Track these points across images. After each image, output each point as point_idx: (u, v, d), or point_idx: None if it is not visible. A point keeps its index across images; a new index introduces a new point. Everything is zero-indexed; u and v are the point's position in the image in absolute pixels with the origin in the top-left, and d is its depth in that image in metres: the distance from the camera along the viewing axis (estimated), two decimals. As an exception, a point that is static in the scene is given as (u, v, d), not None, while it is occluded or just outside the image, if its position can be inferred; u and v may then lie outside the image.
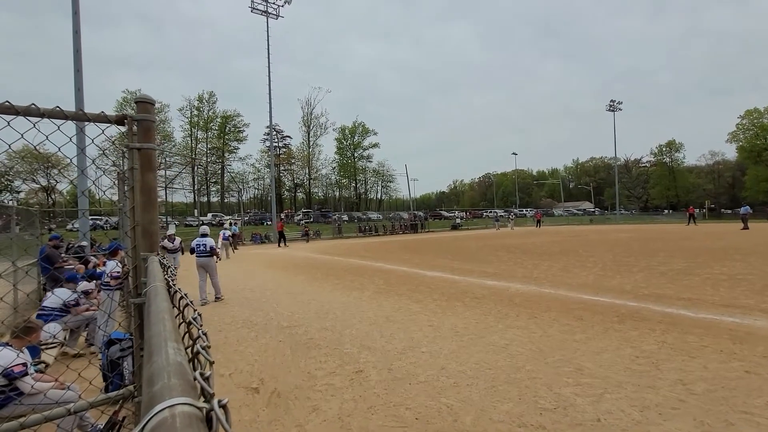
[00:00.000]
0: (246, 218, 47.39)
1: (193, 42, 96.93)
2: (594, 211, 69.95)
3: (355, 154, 70.91)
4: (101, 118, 1.60)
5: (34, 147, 1.65)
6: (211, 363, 0.42)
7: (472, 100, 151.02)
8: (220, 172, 64.02)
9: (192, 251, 8.67)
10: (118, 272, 5.48)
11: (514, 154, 73.64)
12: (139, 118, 1.64)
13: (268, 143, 57.84)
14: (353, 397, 3.58)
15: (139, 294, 1.64)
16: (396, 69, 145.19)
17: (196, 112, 61.14)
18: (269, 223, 38.97)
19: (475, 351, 4.61)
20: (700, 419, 2.95)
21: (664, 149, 72.79)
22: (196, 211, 49.84)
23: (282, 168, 67.14)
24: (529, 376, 3.86)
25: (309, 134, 67.40)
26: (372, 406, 3.39)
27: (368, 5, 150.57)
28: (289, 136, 68.71)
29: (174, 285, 0.82)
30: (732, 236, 21.00)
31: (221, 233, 18.39)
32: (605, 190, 79.50)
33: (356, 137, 70.34)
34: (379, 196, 79.15)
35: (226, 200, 66.50)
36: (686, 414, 3.04)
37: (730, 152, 63.23)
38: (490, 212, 60.22)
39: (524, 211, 63.78)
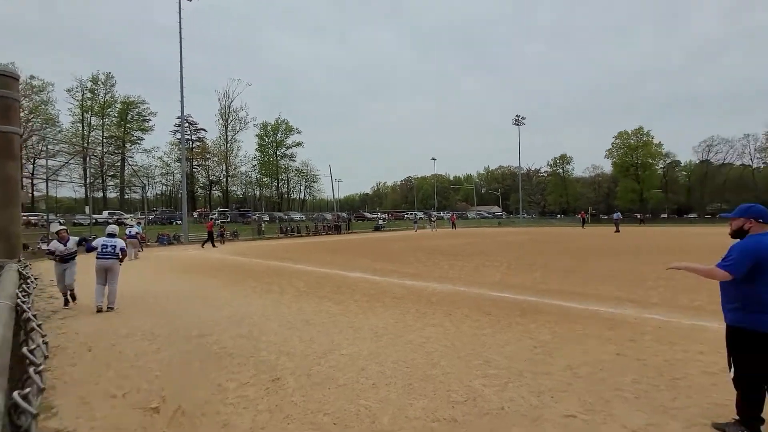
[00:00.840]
0: (152, 217, 42.64)
1: (88, 15, 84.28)
2: (502, 215, 77.03)
3: (278, 152, 68.24)
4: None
5: None
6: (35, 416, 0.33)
7: (397, 105, 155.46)
8: (119, 164, 56.68)
9: (90, 250, 7.66)
10: None
11: (433, 159, 77.58)
12: (-3, 96, 1.34)
13: (179, 135, 52.80)
14: (268, 407, 3.40)
15: (-8, 310, 1.34)
16: (324, 67, 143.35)
17: (89, 95, 53.33)
18: (179, 222, 35.60)
19: (393, 351, 4.71)
20: (584, 399, 3.39)
21: (558, 161, 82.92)
22: (87, 208, 43.29)
23: (195, 163, 61.77)
24: (444, 371, 4.06)
25: (227, 128, 63.05)
26: (288, 415, 3.25)
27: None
28: (204, 129, 63.56)
29: (26, 302, 0.67)
30: (607, 238, 24.69)
31: (126, 231, 17.26)
32: (511, 195, 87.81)
33: (279, 135, 67.73)
34: (302, 196, 77.24)
35: (127, 196, 59.14)
36: (573, 395, 3.46)
37: (607, 166, 74.48)
38: (411, 214, 62.56)
39: (441, 214, 67.57)
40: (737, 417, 2.81)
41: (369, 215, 63.71)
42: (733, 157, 64.25)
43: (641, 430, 2.89)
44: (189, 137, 59.32)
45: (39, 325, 0.51)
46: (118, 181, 56.77)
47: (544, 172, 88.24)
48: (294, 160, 70.51)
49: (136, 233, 18.13)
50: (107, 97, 54.68)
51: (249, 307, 7.22)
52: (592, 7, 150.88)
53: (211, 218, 30.95)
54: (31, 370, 0.34)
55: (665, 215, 67.37)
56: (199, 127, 62.69)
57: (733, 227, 2.95)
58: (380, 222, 50.10)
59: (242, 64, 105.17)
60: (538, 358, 4.38)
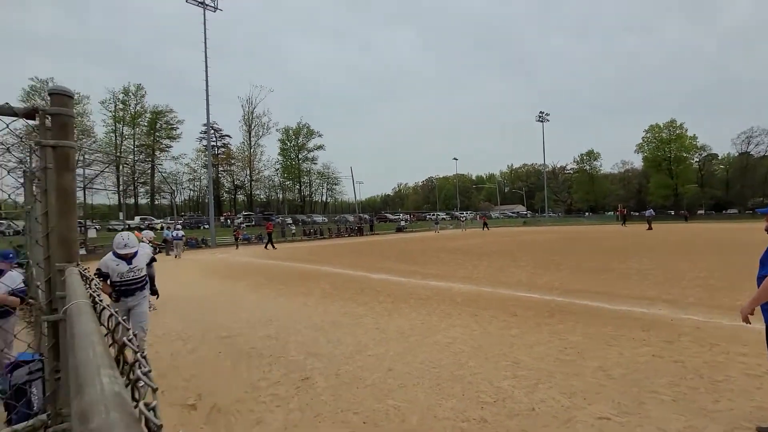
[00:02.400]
0: (180, 222, 44.20)
1: (119, 29, 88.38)
2: (526, 214, 75.36)
3: (300, 156, 69.37)
4: (5, 111, 1.40)
5: None
6: (155, 390, 0.38)
7: (417, 105, 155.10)
8: (149, 171, 59.04)
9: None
10: (23, 288, 4.79)
11: (455, 159, 76.86)
12: (54, 112, 1.46)
13: (204, 142, 54.55)
14: (299, 406, 3.48)
15: (54, 310, 1.45)
16: (342, 71, 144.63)
17: (121, 106, 55.84)
18: (206, 226, 36.72)
19: (420, 351, 4.72)
20: (618, 401, 3.30)
21: (584, 157, 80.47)
22: (121, 214, 45.36)
23: (221, 168, 63.63)
24: (471, 372, 4.04)
25: (250, 134, 64.66)
26: (319, 413, 3.32)
27: (314, 3, 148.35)
28: (228, 135, 65.40)
29: (101, 301, 0.74)
30: (639, 236, 23.77)
31: (173, 233, 21.23)
32: (536, 194, 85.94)
33: (300, 138, 68.86)
34: (324, 198, 78.13)
35: (156, 202, 61.48)
36: (606, 397, 3.38)
37: (638, 161, 71.70)
38: (433, 215, 62.21)
39: (464, 214, 66.88)
40: None
41: (391, 216, 63.75)
42: (776, 149, 60.61)
43: (680, 434, 2.79)
44: (214, 144, 61.15)
45: (123, 319, 0.56)
46: (148, 187, 59.16)
47: (570, 169, 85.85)
48: (315, 163, 71.49)
49: (182, 235, 21.70)
50: (138, 108, 57.10)
51: (276, 308, 7.39)
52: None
53: (271, 220, 31.52)
54: (139, 371, 0.38)
55: (701, 211, 64.11)
56: (223, 133, 64.55)
57: None
58: (402, 223, 50.06)
59: (264, 70, 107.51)
60: (569, 359, 4.29)
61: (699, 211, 64.11)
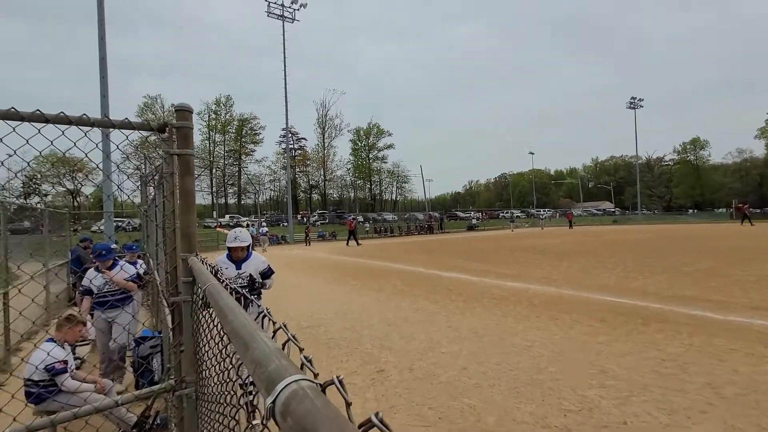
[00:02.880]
0: (263, 219, 48.12)
1: (209, 46, 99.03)
2: (614, 211, 68.32)
3: (370, 155, 71.23)
4: (145, 127, 1.69)
5: (63, 153, 1.75)
6: (301, 350, 0.46)
7: (486, 99, 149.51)
8: (237, 174, 65.21)
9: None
10: (144, 272, 5.65)
11: (531, 153, 72.56)
12: (179, 126, 1.73)
13: (283, 145, 58.67)
14: (375, 396, 3.62)
15: (178, 293, 1.72)
16: (409, 68, 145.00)
17: (213, 116, 62.48)
18: (285, 224, 39.48)
19: (495, 352, 4.60)
20: (731, 423, 2.89)
21: (688, 147, 70.66)
22: (214, 212, 50.91)
23: (297, 169, 67.96)
24: (552, 377, 3.83)
25: (324, 136, 68.06)
26: (394, 405, 3.43)
27: (380, 5, 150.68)
28: (304, 138, 69.53)
29: (229, 284, 0.88)
30: (761, 238, 20.22)
31: (260, 230, 26.56)
32: (626, 189, 77.60)
33: (371, 138, 70.66)
34: (394, 196, 79.24)
35: (242, 202, 67.70)
36: (716, 418, 2.98)
37: (759, 149, 60.89)
38: (507, 213, 59.53)
39: (541, 212, 62.85)
40: None
41: (461, 214, 62.45)
42: None
43: (818, 470, 2.36)
44: (292, 146, 65.46)
45: (252, 298, 0.68)
46: (236, 188, 65.38)
47: (670, 160, 75.89)
48: (385, 162, 72.85)
49: (266, 231, 27.53)
50: (227, 116, 63.36)
51: (351, 303, 7.72)
52: None
53: (353, 217, 33.11)
54: (289, 334, 0.48)
55: None
56: (300, 136, 68.80)
57: None
58: (473, 221, 48.75)
59: (335, 74, 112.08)
60: (668, 372, 3.85)
61: None
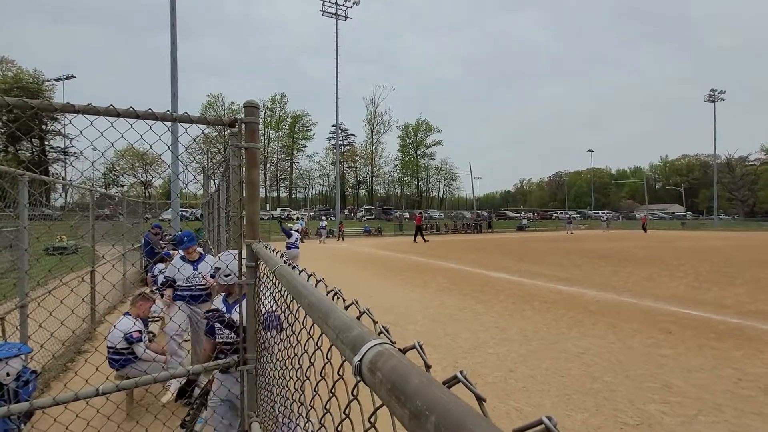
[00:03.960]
0: (311, 213, 49.83)
1: (265, 45, 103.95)
2: (685, 215, 62.27)
3: (418, 152, 70.92)
4: (218, 122, 1.83)
5: (150, 146, 1.94)
6: (375, 322, 0.50)
7: (541, 94, 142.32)
8: (289, 168, 67.98)
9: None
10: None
11: (590, 151, 68.13)
12: (247, 121, 1.86)
13: (333, 141, 60.17)
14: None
15: (242, 276, 1.86)
16: (460, 63, 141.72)
17: (269, 113, 65.53)
18: (333, 218, 40.56)
19: (545, 357, 4.43)
20: (824, 457, 2.56)
21: (778, 145, 62.42)
22: (267, 205, 53.57)
23: (345, 165, 69.39)
24: (608, 387, 3.62)
25: (372, 132, 68.82)
26: (439, 400, 3.43)
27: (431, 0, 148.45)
28: (353, 134, 70.79)
29: (297, 266, 0.95)
30: None
31: (320, 224, 28.20)
32: (700, 191, 70.44)
33: (419, 135, 70.30)
34: (441, 194, 78.35)
35: (293, 196, 70.50)
36: (804, 449, 2.65)
37: None
38: (562, 213, 56.52)
39: (600, 213, 58.89)
40: None
41: (511, 214, 60.29)
42: None
43: None
44: (341, 142, 66.95)
45: (322, 278, 0.73)
46: (287, 183, 68.20)
47: (756, 159, 67.54)
48: (433, 159, 72.16)
49: (325, 225, 27.98)
50: (281, 113, 66.13)
51: (395, 297, 7.79)
52: None
53: (420, 213, 33.59)
54: (363, 308, 0.54)
55: None
56: (349, 132, 70.12)
57: None
58: (523, 221, 46.88)
59: (386, 70, 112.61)
60: (745, 393, 3.48)
61: None
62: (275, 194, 67.94)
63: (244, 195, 1.87)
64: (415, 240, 24.36)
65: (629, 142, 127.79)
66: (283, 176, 68.38)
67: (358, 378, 0.42)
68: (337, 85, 34.76)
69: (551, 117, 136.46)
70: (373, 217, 48.88)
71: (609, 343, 4.86)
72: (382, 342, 0.39)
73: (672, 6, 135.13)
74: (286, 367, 1.01)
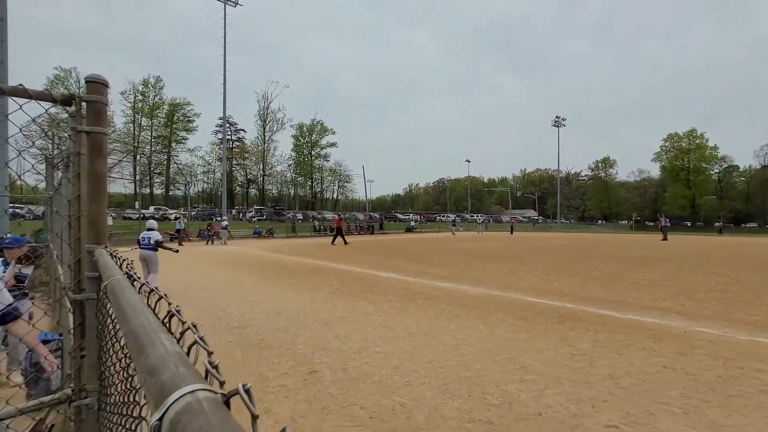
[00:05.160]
0: (193, 213, 44.87)
1: (142, 22, 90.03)
2: (537, 219, 74.52)
3: (312, 153, 69.85)
4: (45, 96, 1.45)
5: None
6: (210, 353, 0.41)
7: (431, 106, 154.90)
8: (165, 162, 60.08)
9: (138, 243, 8.62)
10: (26, 274, 4.92)
11: (467, 161, 76.63)
12: (89, 99, 1.51)
13: (220, 135, 55.26)
14: (307, 398, 3.53)
15: (82, 289, 1.51)
16: (358, 69, 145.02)
17: (140, 97, 56.97)
18: (219, 218, 37.22)
19: (427, 351, 4.73)
20: (627, 410, 3.27)
21: (600, 164, 79.29)
22: (137, 203, 46.25)
23: (234, 162, 64.42)
24: (478, 374, 4.04)
25: (264, 129, 65.35)
26: (326, 406, 3.37)
27: (333, 2, 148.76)
28: (243, 130, 66.27)
29: (138, 278, 0.77)
30: (653, 246, 23.33)
31: (221, 223, 26.19)
32: (548, 199, 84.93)
33: (314, 135, 69.32)
34: (335, 196, 78.51)
35: (171, 193, 62.54)
36: (615, 406, 3.35)
37: (655, 170, 70.41)
38: (444, 216, 62.00)
39: (476, 216, 66.45)
40: None
41: (401, 216, 63.71)
42: (800, 162, 58.87)
43: (690, 447, 2.76)
44: (229, 137, 61.95)
45: (165, 295, 0.59)
46: (164, 178, 60.20)
47: (585, 175, 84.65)
48: (328, 160, 72.02)
49: (226, 225, 25.76)
50: (156, 99, 58.14)
51: (285, 302, 7.47)
52: (640, 2, 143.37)
53: (339, 215, 31.04)
54: (196, 336, 0.41)
55: (719, 223, 62.63)
56: (239, 127, 65.35)
57: None
58: (412, 223, 50.01)
59: (283, 68, 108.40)
60: (578, 366, 4.25)
61: (716, 224, 62.64)
62: (148, 190, 59.25)
63: (84, 190, 1.51)
64: (333, 242, 23.43)
65: (500, 155, 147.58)
66: (158, 170, 60.01)
67: None
68: (224, 75, 32.07)
69: (441, 128, 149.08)
70: (264, 217, 46.36)
71: (480, 333, 5.44)
72: (199, 389, 0.30)
73: (535, 44, 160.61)
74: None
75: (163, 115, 58.71)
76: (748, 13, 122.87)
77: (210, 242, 24.17)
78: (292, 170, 69.60)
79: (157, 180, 60.77)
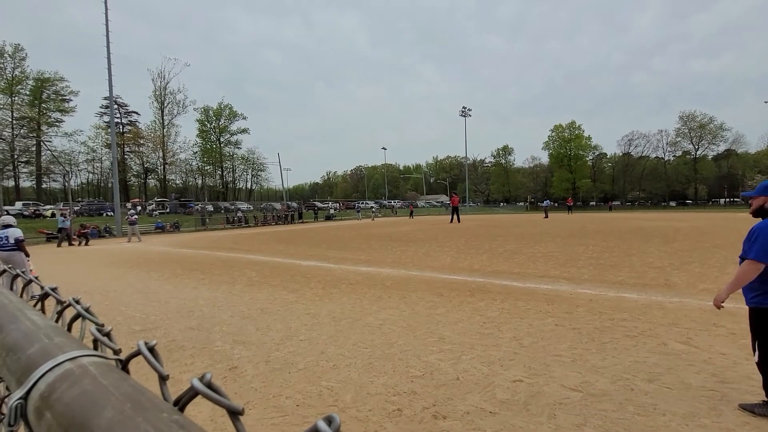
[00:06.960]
0: (77, 208, 38.66)
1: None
2: (449, 204, 79.69)
3: (221, 139, 64.59)
4: None
5: None
6: (101, 325, 0.35)
7: (354, 93, 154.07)
8: (34, 149, 50.37)
9: None
10: None
11: (383, 148, 78.07)
12: None
13: (106, 118, 48.01)
14: (228, 395, 3.33)
15: None
16: (282, 49, 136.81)
17: (-8, 69, 46.49)
18: (110, 213, 32.70)
19: (352, 333, 4.81)
20: (528, 365, 3.72)
21: (500, 152, 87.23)
22: (-6, 198, 38.07)
23: (127, 149, 56.66)
24: (401, 349, 4.23)
25: (163, 112, 58.36)
26: (249, 401, 3.23)
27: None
28: (136, 112, 58.34)
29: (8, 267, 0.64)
30: (540, 223, 26.63)
31: (128, 217, 21.50)
32: (458, 185, 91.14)
33: (222, 120, 64.05)
34: (249, 185, 74.07)
35: (45, 185, 52.89)
36: (519, 363, 3.79)
37: (545, 157, 80.00)
38: (362, 203, 62.83)
39: (392, 203, 68.51)
40: (766, 399, 2.77)
41: (320, 205, 62.81)
42: (649, 150, 71.96)
43: (577, 388, 3.26)
44: (119, 120, 54.20)
45: (36, 278, 0.49)
46: (33, 167, 50.52)
47: (489, 162, 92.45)
48: (239, 148, 67.24)
49: (136, 220, 21.66)
50: (17, 73, 48.07)
51: (197, 299, 6.91)
52: (548, 3, 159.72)
53: (455, 193, 30.12)
54: (80, 307, 0.34)
55: (593, 203, 73.97)
56: (130, 109, 57.44)
57: (755, 206, 2.85)
58: (331, 211, 49.68)
59: (193, 43, 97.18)
60: (488, 332, 4.71)
61: (591, 203, 73.97)
62: (12, 183, 49.23)
63: None
64: (451, 221, 24.02)
65: (418, 143, 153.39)
66: (24, 158, 50.02)
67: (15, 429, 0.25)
68: (108, 38, 27.46)
69: (365, 116, 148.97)
70: (168, 211, 41.97)
71: (401, 312, 5.68)
72: (80, 355, 0.25)
73: (455, 37, 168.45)
74: None
75: (28, 92, 48.82)
76: (628, 22, 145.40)
77: (81, 243, 19.97)
78: (198, 158, 63.64)
79: (25, 170, 50.71)
